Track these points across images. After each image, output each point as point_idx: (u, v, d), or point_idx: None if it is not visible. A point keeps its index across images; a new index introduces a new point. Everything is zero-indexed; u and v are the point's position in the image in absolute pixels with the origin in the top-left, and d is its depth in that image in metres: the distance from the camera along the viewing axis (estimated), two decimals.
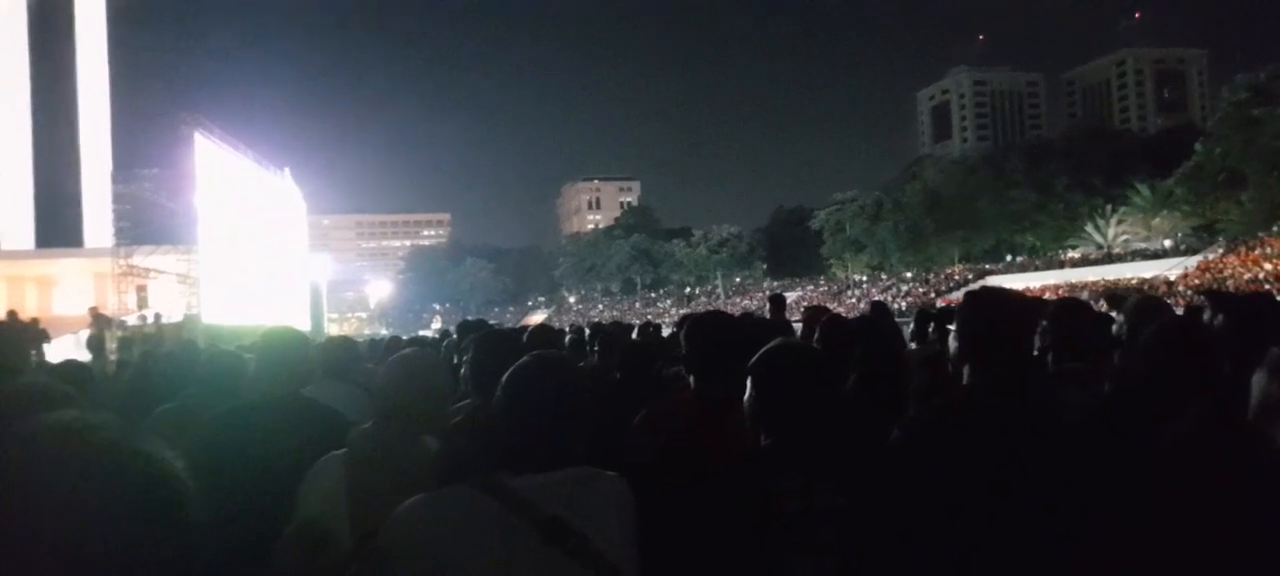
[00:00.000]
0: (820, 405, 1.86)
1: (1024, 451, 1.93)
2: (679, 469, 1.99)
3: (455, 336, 8.12)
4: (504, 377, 1.68)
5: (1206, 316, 3.19)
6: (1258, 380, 1.36)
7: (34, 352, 14.20)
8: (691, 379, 2.78)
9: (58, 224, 29.19)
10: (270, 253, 25.73)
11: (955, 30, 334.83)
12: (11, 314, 16.90)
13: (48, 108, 29.73)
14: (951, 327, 2.26)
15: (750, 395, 1.91)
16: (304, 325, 28.81)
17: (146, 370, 7.48)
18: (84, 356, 16.58)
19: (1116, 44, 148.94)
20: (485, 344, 2.87)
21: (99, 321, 17.13)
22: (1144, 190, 54.71)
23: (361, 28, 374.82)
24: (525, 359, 1.71)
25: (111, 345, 16.74)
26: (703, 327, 2.77)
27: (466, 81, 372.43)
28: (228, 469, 2.79)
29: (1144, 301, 3.19)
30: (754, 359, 1.95)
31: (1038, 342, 2.84)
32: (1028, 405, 2.04)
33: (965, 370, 2.09)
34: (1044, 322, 3.02)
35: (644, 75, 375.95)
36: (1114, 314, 3.66)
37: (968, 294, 2.19)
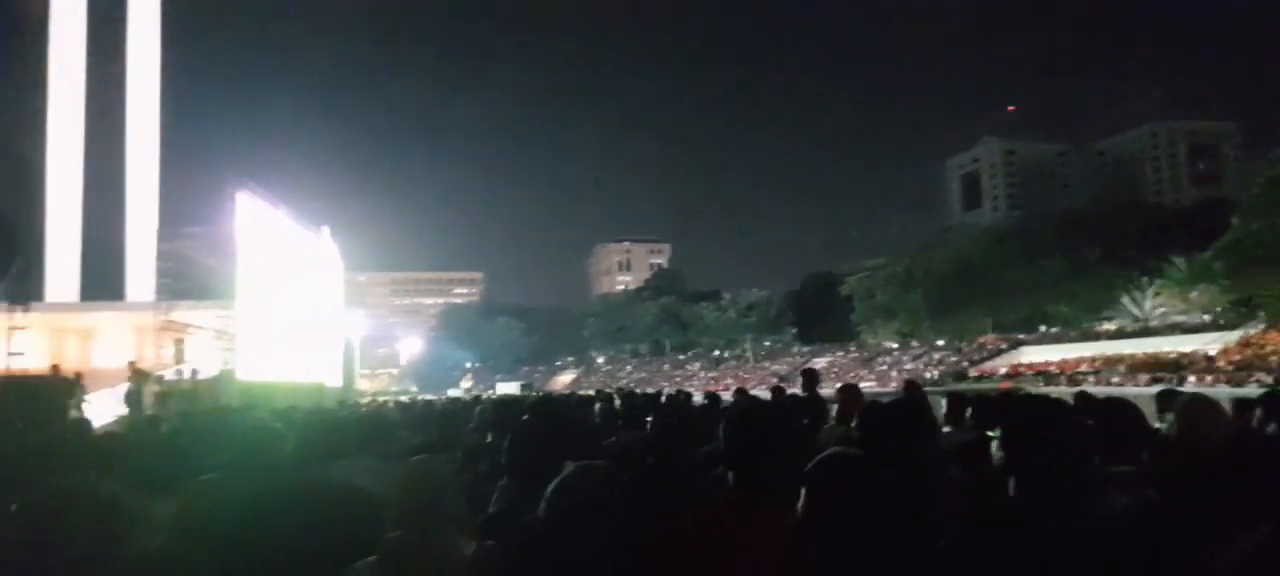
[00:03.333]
0: (876, 518, 1.83)
1: (1077, 567, 1.89)
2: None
3: (485, 402, 8.17)
4: (550, 490, 1.68)
5: (1257, 418, 3.12)
6: None
7: (73, 406, 14.46)
8: (730, 475, 2.76)
9: (101, 278, 29.91)
10: (306, 310, 26.08)
11: (986, 100, 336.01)
12: (54, 368, 17.26)
13: (99, 168, 30.73)
14: (994, 432, 2.24)
15: (805, 505, 1.88)
16: (336, 381, 29.07)
17: (183, 431, 7.57)
18: (122, 410, 16.86)
19: (1147, 115, 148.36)
20: (525, 436, 2.88)
21: (138, 376, 17.40)
22: (1180, 264, 53.97)
23: (402, 90, 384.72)
24: (572, 473, 1.71)
25: (148, 400, 16.97)
26: (743, 425, 2.76)
27: (502, 141, 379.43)
28: (262, 553, 2.80)
29: (1196, 402, 3.11)
30: (811, 468, 1.92)
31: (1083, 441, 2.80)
32: (1077, 518, 2.01)
33: (1011, 481, 2.07)
34: (1090, 421, 2.97)
35: (677, 138, 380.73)
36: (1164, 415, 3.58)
37: (1013, 403, 2.17)
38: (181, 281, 25.14)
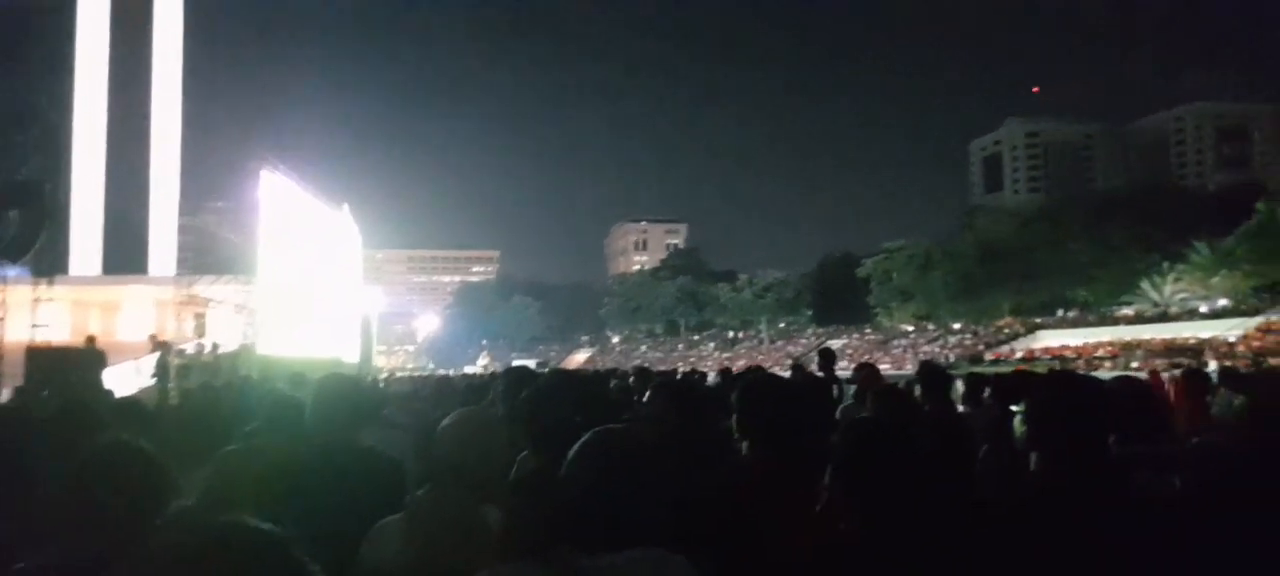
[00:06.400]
0: (906, 489, 1.82)
1: (1104, 542, 1.90)
2: (756, 545, 1.96)
3: (502, 383, 8.20)
4: (573, 453, 1.69)
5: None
6: None
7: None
8: (744, 444, 2.75)
9: (124, 251, 30.18)
10: (325, 286, 26.24)
11: (1010, 81, 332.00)
12: (90, 339, 17.51)
13: (123, 140, 30.95)
14: (1016, 407, 2.24)
15: (835, 473, 1.87)
16: (353, 357, 29.28)
17: (206, 402, 7.66)
18: (148, 382, 17.07)
19: (1177, 98, 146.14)
20: (544, 401, 2.89)
21: (160, 349, 17.61)
22: (1202, 249, 53.32)
23: (421, 67, 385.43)
24: (594, 435, 1.71)
25: (170, 373, 17.19)
26: (759, 393, 2.74)
27: (521, 120, 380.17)
28: (295, 517, 2.85)
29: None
30: (841, 435, 1.92)
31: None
32: (1102, 493, 2.01)
33: (1034, 456, 2.08)
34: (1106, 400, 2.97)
35: (695, 117, 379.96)
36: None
37: (1035, 380, 2.17)
38: (204, 255, 25.36)
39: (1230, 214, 52.20)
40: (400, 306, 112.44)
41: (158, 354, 17.36)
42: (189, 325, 23.56)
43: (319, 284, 25.40)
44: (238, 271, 22.15)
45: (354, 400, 3.54)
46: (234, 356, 19.49)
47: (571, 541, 1.62)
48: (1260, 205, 46.13)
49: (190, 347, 21.00)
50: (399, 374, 36.25)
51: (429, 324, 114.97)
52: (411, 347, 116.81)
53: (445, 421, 2.33)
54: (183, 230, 28.03)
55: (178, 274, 25.28)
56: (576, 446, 1.71)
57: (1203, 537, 2.11)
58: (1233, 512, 2.17)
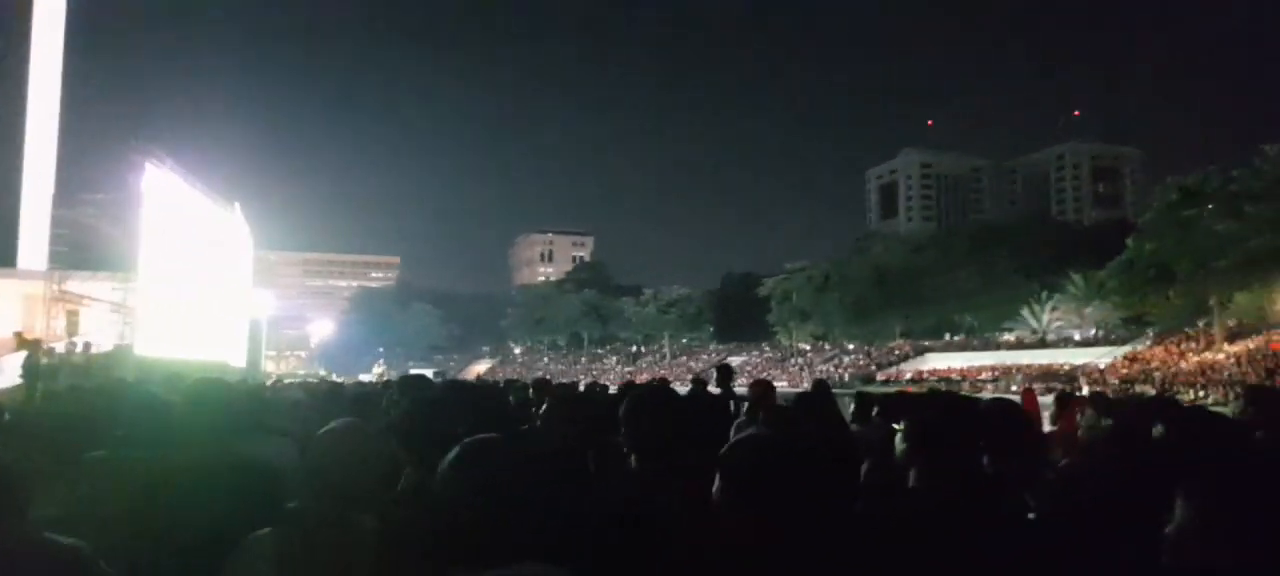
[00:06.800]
0: (796, 505, 1.79)
1: (974, 558, 1.96)
2: (644, 560, 1.94)
3: (395, 391, 7.99)
4: (445, 465, 1.61)
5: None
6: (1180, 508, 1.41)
7: None
8: (633, 458, 2.73)
9: None
10: (211, 287, 25.13)
11: (907, 113, 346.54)
12: None
13: None
14: (898, 425, 2.31)
15: (724, 491, 1.81)
16: (240, 361, 28.08)
17: (74, 405, 7.18)
18: (11, 382, 15.95)
19: (1058, 137, 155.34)
20: (435, 411, 2.82)
21: (25, 347, 16.49)
22: (1078, 279, 56.61)
23: (319, 66, 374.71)
24: (466, 446, 1.64)
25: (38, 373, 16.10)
26: (646, 406, 2.70)
27: (424, 124, 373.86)
28: (157, 529, 2.69)
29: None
30: (727, 450, 1.88)
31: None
32: (973, 509, 2.08)
33: (913, 472, 2.14)
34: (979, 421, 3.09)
35: (604, 131, 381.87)
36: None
37: (920, 400, 2.24)
38: (80, 250, 23.85)
39: (1103, 248, 55.50)
40: (293, 310, 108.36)
41: (23, 353, 16.23)
42: (60, 323, 22.14)
43: (204, 284, 24.33)
44: (116, 268, 20.93)
45: (230, 405, 3.39)
46: (109, 357, 18.41)
47: (449, 557, 1.57)
48: (1129, 241, 49.23)
49: (61, 347, 19.74)
50: (288, 380, 34.91)
51: (324, 329, 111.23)
52: (303, 353, 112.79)
53: (322, 430, 2.23)
54: (57, 222, 26.34)
55: (50, 268, 23.69)
56: (448, 457, 1.64)
57: (1068, 554, 2.21)
58: (1097, 530, 2.28)
